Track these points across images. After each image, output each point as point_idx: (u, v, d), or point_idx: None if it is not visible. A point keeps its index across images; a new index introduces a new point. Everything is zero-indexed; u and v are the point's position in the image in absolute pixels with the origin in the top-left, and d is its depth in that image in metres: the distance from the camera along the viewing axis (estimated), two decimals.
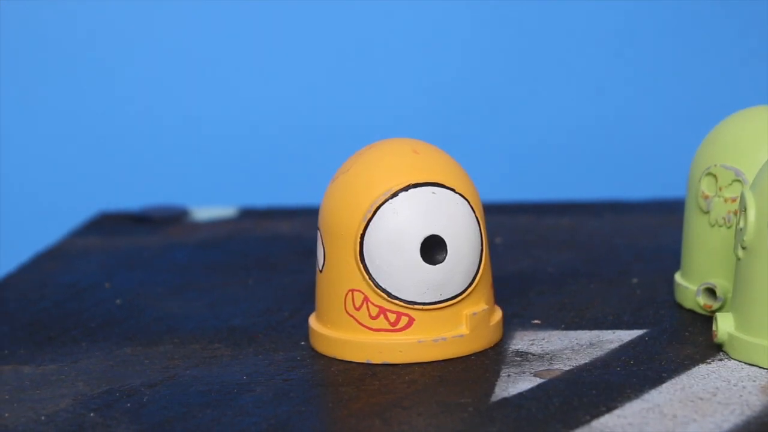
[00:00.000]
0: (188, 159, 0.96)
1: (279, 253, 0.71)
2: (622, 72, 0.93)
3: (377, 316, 0.51)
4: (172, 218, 0.82)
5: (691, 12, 0.93)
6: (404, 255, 0.50)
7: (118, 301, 0.61)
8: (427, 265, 0.50)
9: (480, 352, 0.52)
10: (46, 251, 0.73)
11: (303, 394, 0.48)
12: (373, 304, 0.51)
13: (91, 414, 0.46)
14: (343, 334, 0.51)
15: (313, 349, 0.53)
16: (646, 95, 0.93)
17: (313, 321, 0.53)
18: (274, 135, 0.95)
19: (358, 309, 0.51)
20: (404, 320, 0.51)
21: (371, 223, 0.50)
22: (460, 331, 0.51)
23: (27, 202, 0.96)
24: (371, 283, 0.50)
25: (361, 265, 0.50)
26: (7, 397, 0.48)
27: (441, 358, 0.51)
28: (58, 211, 0.94)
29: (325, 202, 0.52)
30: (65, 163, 0.96)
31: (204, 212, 0.84)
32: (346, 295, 0.51)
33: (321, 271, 0.52)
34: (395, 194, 0.50)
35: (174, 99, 0.96)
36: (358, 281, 0.51)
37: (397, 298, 0.50)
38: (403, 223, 0.50)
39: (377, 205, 0.50)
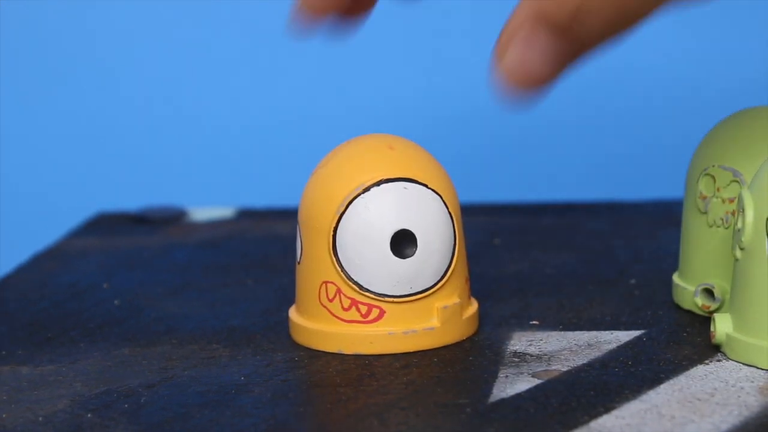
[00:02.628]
0: (187, 160, 0.96)
1: (278, 253, 0.71)
2: (620, 72, 0.93)
3: (349, 308, 0.52)
4: (171, 219, 0.82)
5: (689, 11, 0.93)
6: (375, 249, 0.51)
7: (116, 302, 0.61)
8: (397, 258, 0.51)
9: (478, 353, 0.52)
10: (45, 251, 0.73)
11: (301, 394, 0.48)
12: (345, 295, 0.52)
13: (89, 415, 0.46)
14: (317, 324, 0.53)
15: (309, 349, 0.53)
16: (643, 95, 0.94)
17: (292, 312, 0.55)
18: (273, 136, 0.95)
19: (331, 300, 0.52)
20: (375, 312, 0.52)
21: (343, 217, 0.51)
22: (431, 323, 0.52)
23: (26, 202, 0.96)
24: (343, 275, 0.52)
25: (333, 258, 0.52)
26: (5, 397, 0.48)
27: (412, 350, 0.52)
28: (57, 212, 0.94)
29: (304, 195, 0.53)
30: (64, 163, 0.96)
31: (203, 213, 0.84)
32: (321, 286, 0.52)
33: (299, 263, 0.54)
34: (367, 189, 0.51)
35: (173, 99, 0.96)
36: (332, 273, 0.52)
37: (368, 290, 0.52)
38: (374, 217, 0.51)
39: (350, 199, 0.51)
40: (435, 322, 0.52)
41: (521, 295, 0.60)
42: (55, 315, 0.60)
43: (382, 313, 0.52)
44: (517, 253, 0.70)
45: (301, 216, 0.53)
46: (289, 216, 0.81)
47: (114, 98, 0.96)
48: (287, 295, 0.61)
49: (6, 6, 0.94)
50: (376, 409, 0.45)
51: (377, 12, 0.96)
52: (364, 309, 0.52)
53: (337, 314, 0.52)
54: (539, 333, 0.54)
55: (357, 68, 0.94)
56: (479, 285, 0.61)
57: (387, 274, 0.51)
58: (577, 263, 0.66)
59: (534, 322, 0.56)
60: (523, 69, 0.47)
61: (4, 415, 0.46)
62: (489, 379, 0.48)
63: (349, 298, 0.52)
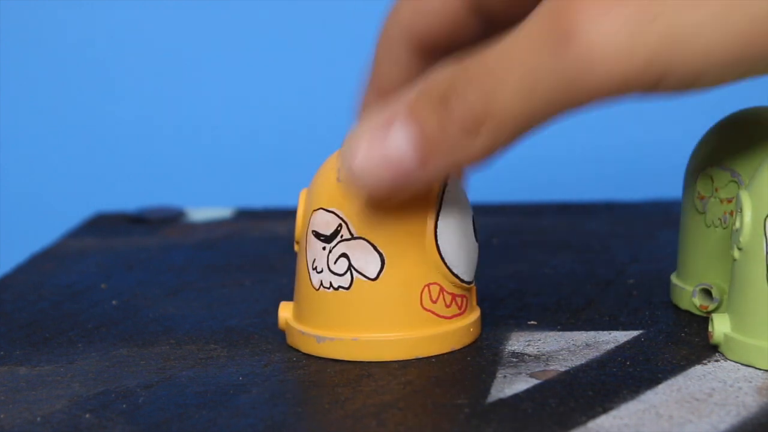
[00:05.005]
0: (184, 160, 0.96)
1: (276, 254, 0.71)
2: None
3: (450, 304, 0.52)
4: (169, 219, 0.82)
5: None
6: (467, 236, 0.52)
7: (114, 302, 0.61)
8: (476, 243, 0.53)
9: (476, 353, 0.52)
10: (42, 252, 0.73)
11: (299, 395, 0.48)
12: (447, 292, 0.52)
13: (87, 415, 0.46)
14: (423, 331, 0.51)
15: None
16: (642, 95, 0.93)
17: (365, 334, 0.51)
18: (271, 136, 0.95)
19: (435, 302, 0.52)
20: (465, 301, 0.53)
21: (441, 212, 0.51)
22: (475, 301, 0.55)
23: (23, 203, 0.96)
24: (447, 271, 0.51)
25: (439, 256, 0.51)
26: (2, 398, 0.48)
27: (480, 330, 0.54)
28: (54, 212, 0.94)
29: (360, 208, 0.51)
30: (62, 163, 0.96)
31: (200, 213, 0.84)
32: (423, 291, 0.51)
33: (375, 280, 0.51)
34: (446, 183, 0.52)
35: (170, 99, 0.96)
36: (434, 274, 0.51)
37: (463, 281, 0.52)
38: (463, 207, 0.52)
39: (441, 194, 0.51)
40: (475, 301, 0.55)
41: (519, 295, 0.60)
42: (53, 315, 0.59)
43: (468, 300, 0.53)
44: (515, 253, 0.70)
45: (375, 230, 0.51)
46: (287, 216, 0.81)
47: (111, 99, 0.96)
48: (285, 296, 0.60)
49: (6, 7, 0.94)
50: (374, 410, 0.45)
51: (375, 14, 0.96)
52: (460, 301, 0.52)
53: (441, 314, 0.52)
54: (537, 333, 0.54)
55: (355, 69, 0.94)
56: (477, 285, 0.61)
57: (472, 260, 0.53)
58: (575, 263, 0.67)
59: (532, 322, 0.56)
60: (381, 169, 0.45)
61: (1, 416, 0.46)
62: (487, 379, 0.48)
63: (450, 293, 0.52)
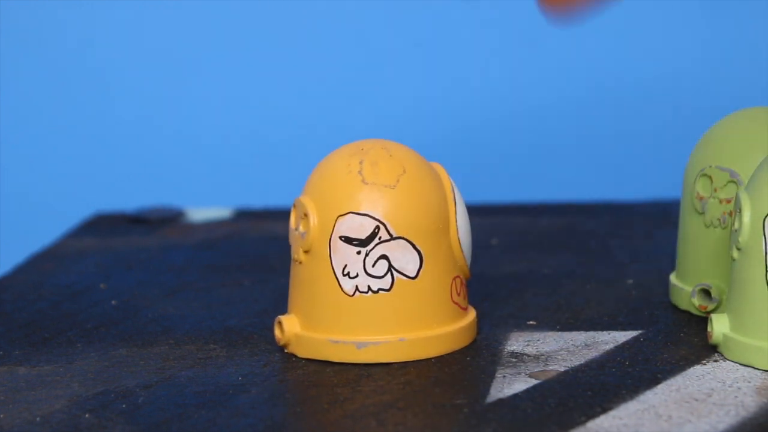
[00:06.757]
0: (184, 160, 0.96)
1: (275, 254, 0.71)
2: (618, 72, 0.93)
3: (465, 295, 0.54)
4: (168, 219, 0.82)
5: (687, 11, 0.93)
6: (470, 231, 0.53)
7: (113, 302, 0.61)
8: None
9: (476, 353, 0.52)
10: (41, 252, 0.73)
11: (299, 395, 0.48)
12: (463, 284, 0.53)
13: (87, 415, 0.46)
14: (453, 324, 0.52)
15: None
16: (641, 95, 0.94)
17: (410, 335, 0.51)
18: (270, 136, 0.95)
19: (459, 294, 0.53)
20: (466, 292, 0.54)
21: (457, 210, 0.53)
22: None
23: (23, 203, 0.96)
24: (465, 264, 0.53)
25: (461, 250, 0.53)
26: (2, 398, 0.48)
27: None
28: (53, 212, 0.94)
29: (396, 208, 0.51)
30: (61, 164, 0.96)
31: (200, 213, 0.84)
32: (451, 285, 0.52)
33: (415, 278, 0.51)
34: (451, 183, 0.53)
35: (170, 100, 0.96)
36: (459, 267, 0.53)
37: (470, 272, 0.54)
38: (465, 203, 0.53)
39: (453, 194, 0.53)
40: None
41: (519, 295, 0.60)
42: (53, 315, 0.60)
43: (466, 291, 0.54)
44: (514, 253, 0.70)
45: (413, 228, 0.51)
46: (286, 216, 0.81)
47: (111, 99, 0.96)
48: (284, 296, 0.60)
49: (6, 7, 0.94)
50: (373, 410, 0.45)
51: (374, 14, 0.96)
52: (466, 291, 0.54)
53: (462, 305, 0.53)
54: (536, 333, 0.54)
55: (354, 69, 0.94)
56: (477, 285, 0.61)
57: (471, 251, 0.54)
58: (575, 263, 0.66)
59: (531, 322, 0.56)
60: None
61: (1, 416, 0.46)
62: (486, 379, 0.48)
63: (464, 285, 0.53)
